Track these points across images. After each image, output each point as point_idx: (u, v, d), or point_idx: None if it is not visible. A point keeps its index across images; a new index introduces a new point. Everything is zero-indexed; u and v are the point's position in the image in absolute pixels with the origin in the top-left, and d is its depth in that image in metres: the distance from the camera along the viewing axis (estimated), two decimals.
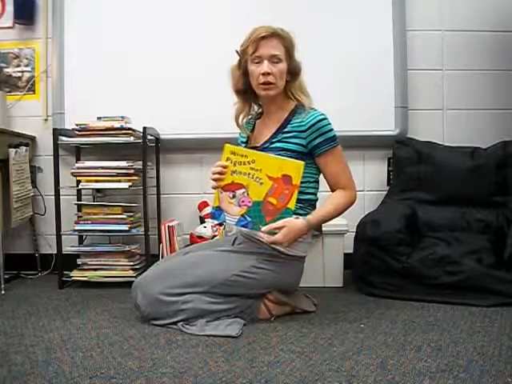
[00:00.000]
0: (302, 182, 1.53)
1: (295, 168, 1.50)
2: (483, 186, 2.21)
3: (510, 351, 1.28)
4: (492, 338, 1.40)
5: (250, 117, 1.77)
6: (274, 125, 1.66)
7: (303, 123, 1.58)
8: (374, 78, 2.43)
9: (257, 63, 1.59)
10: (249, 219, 1.54)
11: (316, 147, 1.58)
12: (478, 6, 2.47)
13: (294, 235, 1.51)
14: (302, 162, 1.50)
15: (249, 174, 1.53)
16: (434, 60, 2.49)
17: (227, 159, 1.55)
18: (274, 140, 1.63)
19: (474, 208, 2.18)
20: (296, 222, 1.51)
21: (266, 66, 1.56)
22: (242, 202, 1.54)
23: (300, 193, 1.52)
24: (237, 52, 1.64)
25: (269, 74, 1.57)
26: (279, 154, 1.57)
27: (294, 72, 1.63)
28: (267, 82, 1.58)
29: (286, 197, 1.50)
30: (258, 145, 1.67)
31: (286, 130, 1.62)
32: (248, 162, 1.53)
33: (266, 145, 1.64)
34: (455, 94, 2.50)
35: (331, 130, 1.59)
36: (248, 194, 1.54)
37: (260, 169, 1.52)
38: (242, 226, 1.56)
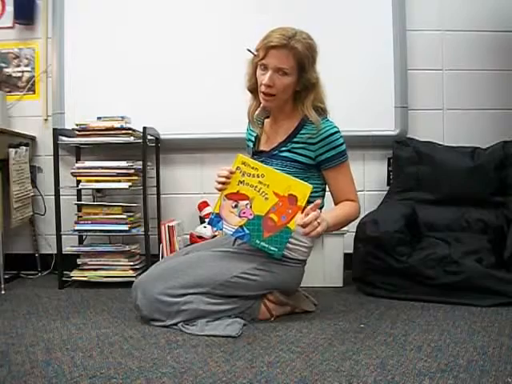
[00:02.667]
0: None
1: (303, 190, 1.48)
2: (483, 186, 2.21)
3: (509, 351, 1.28)
4: (492, 337, 1.40)
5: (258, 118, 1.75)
6: (283, 132, 1.64)
7: (315, 135, 1.56)
8: (374, 78, 2.43)
9: (263, 70, 1.55)
10: (246, 231, 1.53)
11: (325, 161, 1.57)
12: (478, 6, 2.47)
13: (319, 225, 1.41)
14: (311, 186, 1.48)
15: (256, 187, 1.52)
16: (433, 60, 2.49)
17: (237, 168, 1.54)
18: (283, 149, 1.61)
19: (474, 208, 2.18)
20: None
21: (267, 78, 1.52)
22: (244, 213, 1.54)
23: (308, 202, 1.51)
24: (249, 50, 1.58)
25: (270, 86, 1.53)
26: (286, 164, 1.57)
27: (305, 85, 1.56)
28: (268, 94, 1.55)
29: (288, 216, 1.49)
30: (267, 149, 1.67)
31: (295, 140, 1.60)
32: (257, 175, 1.52)
33: (275, 152, 1.63)
34: (455, 94, 2.50)
35: (342, 144, 1.57)
36: (251, 207, 1.53)
37: (268, 184, 1.51)
38: (239, 237, 1.56)
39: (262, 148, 1.71)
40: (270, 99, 1.56)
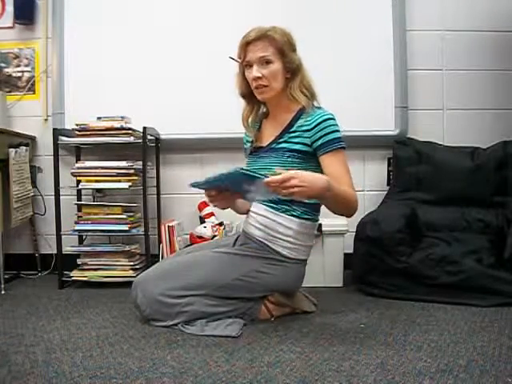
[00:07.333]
0: None
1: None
2: (483, 186, 2.21)
3: (510, 351, 1.28)
4: (492, 337, 1.40)
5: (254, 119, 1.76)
6: (280, 126, 1.64)
7: (308, 122, 1.56)
8: (374, 78, 2.43)
9: (249, 68, 1.58)
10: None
11: (320, 147, 1.55)
12: (478, 6, 2.47)
13: (310, 179, 1.32)
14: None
15: None
16: (434, 60, 2.49)
17: None
18: (281, 140, 1.61)
19: (474, 208, 2.18)
20: (315, 173, 1.39)
21: (254, 71, 1.55)
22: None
23: None
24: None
25: (259, 77, 1.55)
26: (285, 155, 1.56)
27: (291, 69, 1.58)
28: (260, 86, 1.57)
29: None
30: (264, 145, 1.66)
31: (291, 130, 1.60)
32: None
33: (273, 145, 1.63)
34: (455, 94, 2.50)
35: (337, 130, 1.56)
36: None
37: None
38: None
39: (259, 145, 1.69)
40: (264, 90, 1.57)
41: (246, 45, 1.55)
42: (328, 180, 1.38)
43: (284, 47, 1.55)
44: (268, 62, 1.55)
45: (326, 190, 1.36)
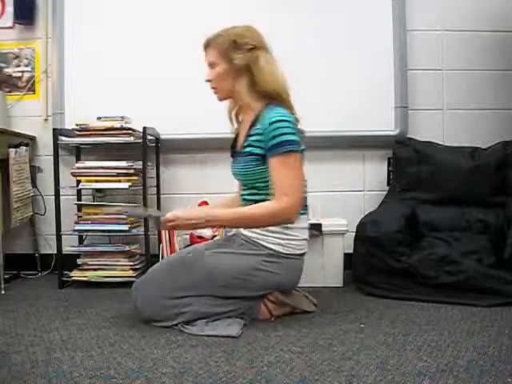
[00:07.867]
0: (262, 186, 1.58)
1: None
2: (483, 186, 2.21)
3: (510, 351, 1.28)
4: (492, 338, 1.40)
5: (241, 119, 1.78)
6: (246, 128, 1.65)
7: (261, 126, 1.55)
8: (373, 78, 2.43)
9: None
10: None
11: (267, 150, 1.54)
12: (478, 5, 2.47)
13: (186, 217, 1.52)
14: None
15: None
16: (434, 60, 2.50)
17: None
18: (245, 144, 1.62)
19: (474, 208, 2.18)
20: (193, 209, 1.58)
21: (205, 75, 1.65)
22: None
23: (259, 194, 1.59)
24: None
25: (209, 80, 1.65)
26: (248, 159, 1.59)
27: (237, 69, 1.58)
28: (211, 88, 1.66)
29: None
30: (238, 149, 1.69)
31: (252, 133, 1.60)
32: None
33: (241, 149, 1.65)
34: (455, 94, 2.50)
35: (285, 133, 1.50)
36: None
37: None
38: None
39: (235, 149, 1.73)
40: (214, 92, 1.67)
41: (204, 51, 1.67)
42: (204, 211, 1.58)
43: (227, 49, 1.59)
44: (213, 66, 1.63)
45: (204, 217, 1.53)
